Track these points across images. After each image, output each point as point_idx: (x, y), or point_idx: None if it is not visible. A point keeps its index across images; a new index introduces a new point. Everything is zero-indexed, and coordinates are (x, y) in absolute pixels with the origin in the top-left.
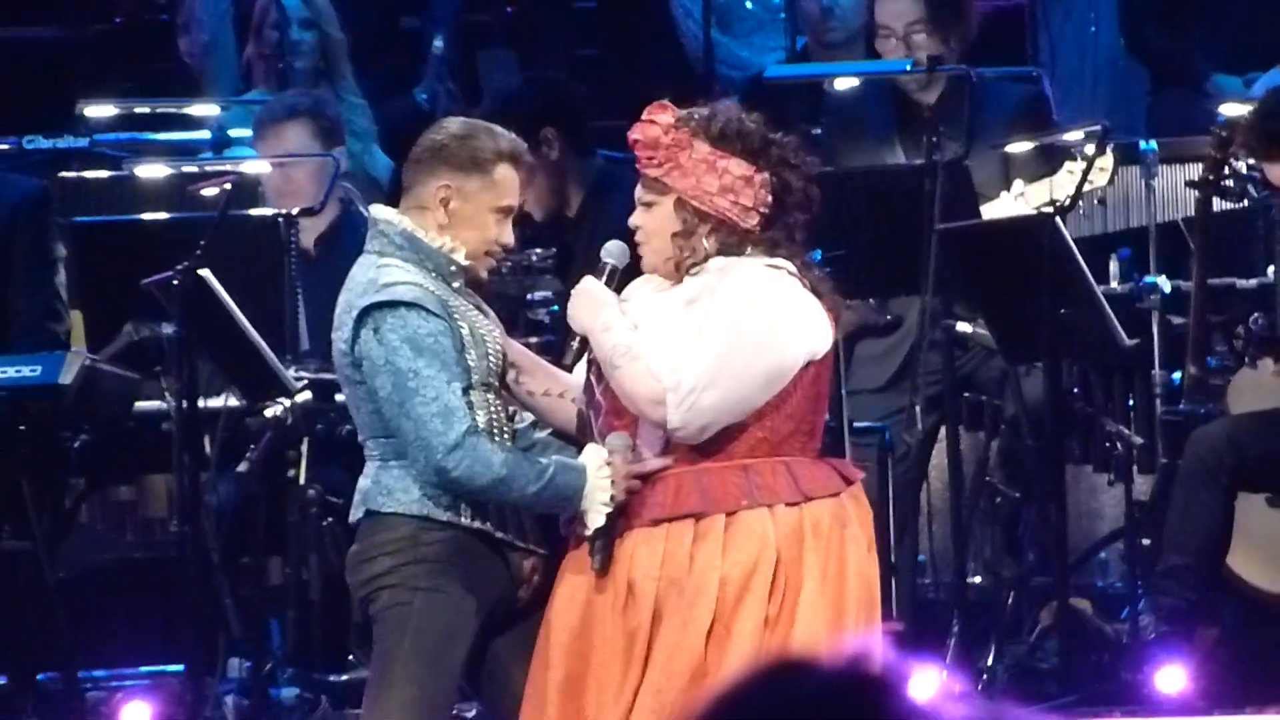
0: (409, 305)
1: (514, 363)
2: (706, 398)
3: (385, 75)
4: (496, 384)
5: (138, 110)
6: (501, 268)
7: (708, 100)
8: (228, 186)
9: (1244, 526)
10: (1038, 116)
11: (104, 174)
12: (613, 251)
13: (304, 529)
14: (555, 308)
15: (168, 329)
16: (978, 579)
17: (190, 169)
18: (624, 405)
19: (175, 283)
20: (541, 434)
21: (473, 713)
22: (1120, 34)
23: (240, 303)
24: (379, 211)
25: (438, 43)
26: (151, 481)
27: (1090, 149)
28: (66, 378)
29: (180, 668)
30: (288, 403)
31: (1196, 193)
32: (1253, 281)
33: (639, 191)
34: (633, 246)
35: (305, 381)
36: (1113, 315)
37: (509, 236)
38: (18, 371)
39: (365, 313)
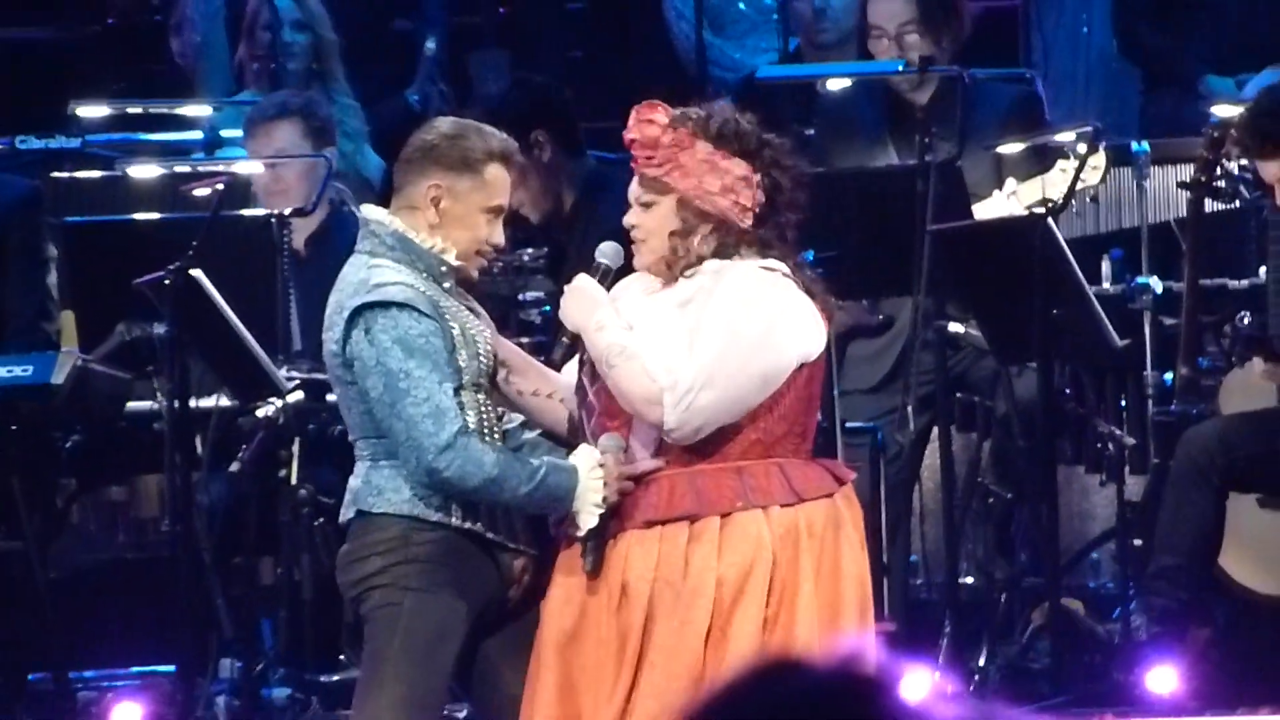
0: (400, 306)
1: (504, 362)
2: (703, 398)
3: (377, 76)
4: (487, 384)
5: (130, 111)
6: (493, 268)
7: (700, 101)
8: (220, 187)
9: (1235, 527)
10: (1030, 117)
11: (96, 174)
12: (607, 252)
13: (296, 529)
14: (547, 308)
15: (160, 329)
16: (970, 579)
17: (182, 169)
18: (617, 406)
19: (167, 283)
20: (531, 434)
21: (464, 713)
22: (1113, 35)
23: (232, 303)
24: (370, 212)
25: (430, 44)
26: (143, 482)
27: (1082, 148)
28: (58, 378)
29: (172, 668)
30: (279, 403)
31: (1188, 193)
32: (1244, 282)
33: (636, 191)
34: (626, 246)
35: (297, 382)
36: (1104, 316)
37: (500, 236)
38: (9, 371)
39: (357, 313)
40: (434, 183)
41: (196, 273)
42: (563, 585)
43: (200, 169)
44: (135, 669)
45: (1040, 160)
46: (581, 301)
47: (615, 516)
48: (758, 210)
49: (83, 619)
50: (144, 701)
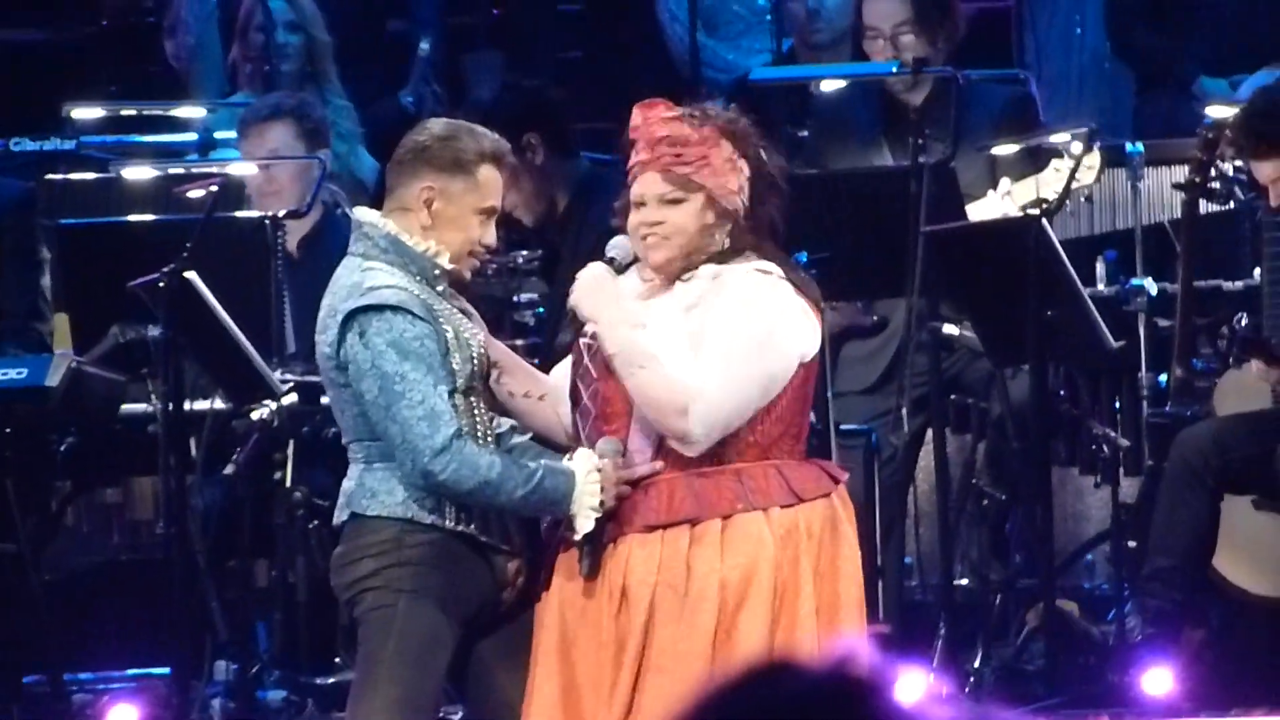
0: (394, 309)
1: (496, 363)
2: (725, 407)
3: (371, 78)
4: (480, 387)
5: (124, 112)
6: (487, 269)
7: (692, 102)
8: (214, 189)
9: (1230, 528)
10: (1024, 118)
11: (90, 176)
12: (618, 245)
13: (290, 531)
14: (541, 309)
15: (154, 331)
16: (964, 581)
17: (176, 171)
18: (614, 410)
19: (161, 285)
20: (521, 438)
21: (458, 716)
22: (1106, 36)
23: (226, 305)
24: (363, 214)
25: (423, 45)
26: (138, 484)
27: (1078, 147)
28: (53, 380)
29: (167, 670)
30: (274, 405)
31: (1183, 195)
32: (1239, 283)
33: (662, 188)
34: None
35: (291, 384)
36: (1099, 317)
37: (492, 237)
38: (4, 374)
39: (350, 316)
40: (426, 184)
41: (191, 275)
42: (561, 589)
43: (194, 171)
44: (130, 671)
45: (1035, 161)
46: (598, 293)
47: (614, 520)
48: (753, 211)
49: (78, 621)
50: (139, 703)
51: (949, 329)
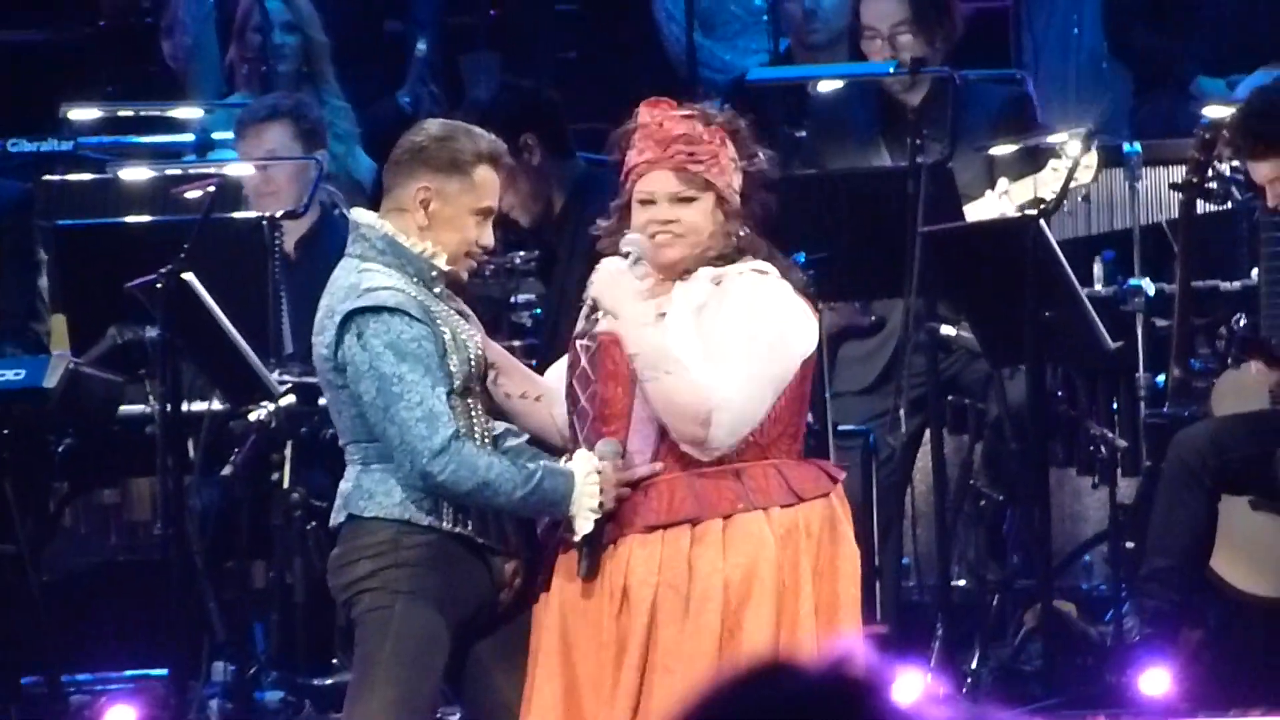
0: (392, 310)
1: (492, 364)
2: (747, 413)
3: (368, 78)
4: (477, 389)
5: (121, 113)
6: (485, 270)
7: (691, 102)
8: (211, 189)
9: (1227, 529)
10: (1022, 118)
11: (88, 177)
12: (634, 242)
13: (288, 532)
14: (538, 310)
15: (151, 332)
16: (962, 582)
17: (174, 172)
18: (613, 411)
19: (159, 286)
20: (516, 440)
21: (455, 716)
22: (1104, 36)
23: (224, 306)
24: (360, 215)
25: (421, 46)
26: (135, 485)
27: (1075, 146)
28: (51, 381)
29: (164, 671)
30: (271, 406)
31: (1180, 195)
32: (1236, 284)
33: (675, 186)
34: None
35: (289, 385)
36: (1097, 318)
37: (489, 238)
38: (1, 375)
39: (348, 318)
40: (423, 185)
41: (188, 276)
42: (561, 591)
43: (191, 171)
44: (128, 672)
45: (1032, 161)
46: (618, 288)
47: (614, 521)
48: (749, 212)
49: (75, 622)
50: (136, 704)
51: (947, 329)
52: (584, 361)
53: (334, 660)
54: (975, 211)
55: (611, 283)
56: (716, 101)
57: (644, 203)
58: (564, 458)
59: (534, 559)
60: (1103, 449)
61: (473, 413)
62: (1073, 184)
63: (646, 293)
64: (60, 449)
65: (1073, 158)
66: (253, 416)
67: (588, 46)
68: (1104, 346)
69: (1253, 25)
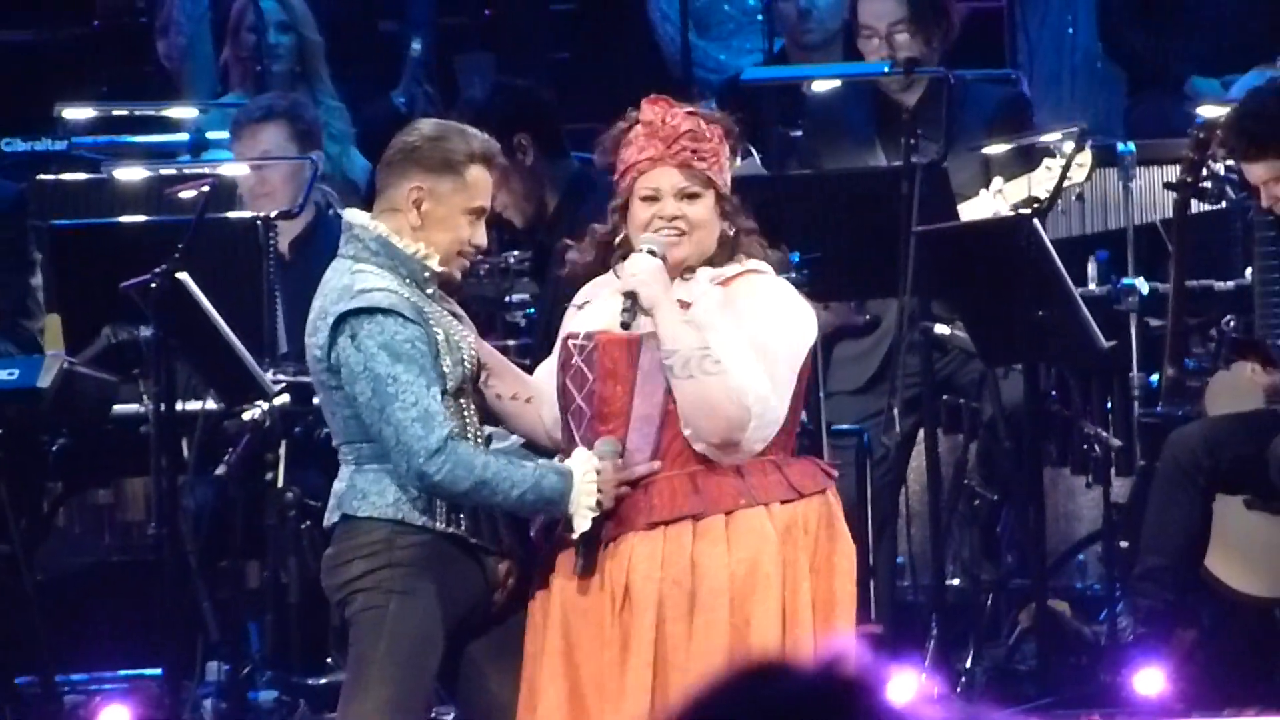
0: (385, 312)
1: (483, 365)
2: (777, 419)
3: (363, 78)
4: (470, 389)
5: (116, 113)
6: (479, 270)
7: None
8: (206, 189)
9: (1222, 528)
10: (1018, 118)
11: (82, 177)
12: (654, 240)
13: (282, 532)
14: (532, 310)
15: (146, 332)
16: (956, 581)
17: (168, 172)
18: (611, 410)
19: (153, 286)
20: (502, 444)
21: (450, 716)
22: (1098, 36)
23: (218, 306)
24: (353, 216)
25: (415, 46)
26: (129, 484)
27: (1069, 147)
28: (45, 381)
29: (158, 671)
30: (266, 406)
31: (1174, 194)
32: (1230, 283)
33: (681, 183)
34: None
35: (283, 384)
36: (1091, 317)
37: (482, 237)
38: None
39: (342, 319)
40: (415, 184)
41: (183, 275)
42: (562, 591)
43: (186, 171)
44: (122, 672)
45: (1027, 160)
46: (655, 284)
47: (614, 520)
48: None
49: (69, 622)
50: (131, 704)
51: (941, 329)
52: (579, 360)
53: (328, 660)
54: (970, 210)
55: (650, 278)
56: (710, 101)
57: (648, 199)
58: (557, 457)
59: (527, 559)
60: (1097, 448)
61: (465, 414)
62: (1066, 183)
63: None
64: (54, 449)
65: (1066, 156)
66: (247, 416)
67: (582, 47)
68: (1098, 346)
69: (1246, 25)
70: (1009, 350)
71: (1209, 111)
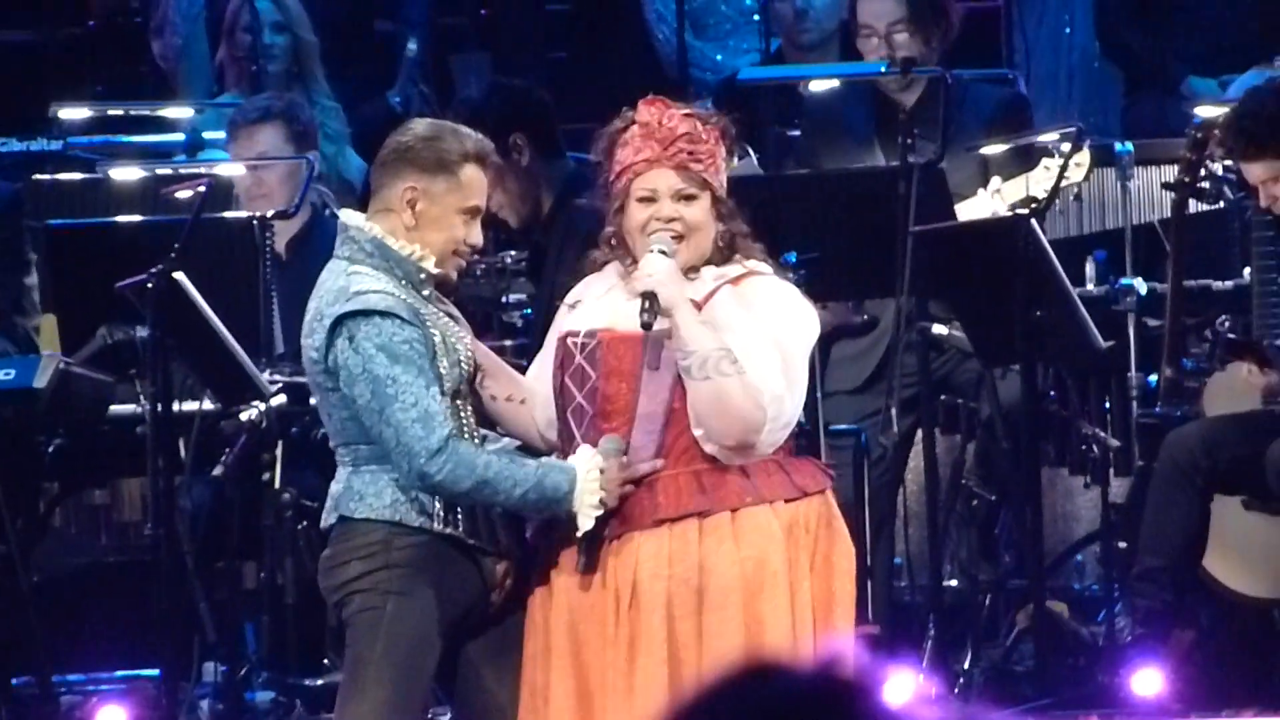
0: (383, 314)
1: (478, 365)
2: (791, 420)
3: (359, 78)
4: (466, 391)
5: (111, 113)
6: (476, 270)
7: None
8: (202, 189)
9: (1220, 529)
10: (1017, 120)
11: (78, 177)
12: (664, 241)
13: (279, 533)
14: (529, 310)
15: (142, 332)
16: (954, 582)
17: (164, 172)
18: (614, 408)
19: (150, 286)
20: (498, 444)
21: (446, 717)
22: (1095, 36)
23: (215, 306)
24: (349, 217)
25: (411, 46)
26: (126, 485)
27: (1066, 147)
28: (41, 381)
29: (155, 672)
30: (262, 406)
31: (1172, 194)
32: (1228, 284)
33: (678, 185)
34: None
35: (280, 385)
36: (1088, 317)
37: (477, 237)
38: None
39: (339, 322)
40: (409, 185)
41: (179, 276)
42: (568, 590)
43: (182, 171)
44: (119, 673)
45: (1025, 162)
46: (673, 284)
47: (619, 518)
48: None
49: (66, 622)
50: (128, 705)
51: (938, 329)
52: (580, 358)
53: (325, 661)
54: (967, 210)
55: (668, 279)
56: (707, 102)
57: (644, 200)
58: (554, 456)
59: (525, 560)
60: (1095, 449)
61: (462, 415)
62: (1064, 183)
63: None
64: (50, 449)
65: (1064, 155)
66: (243, 416)
67: (578, 47)
68: (1095, 346)
69: (1243, 25)
70: (1007, 350)
71: (1206, 111)
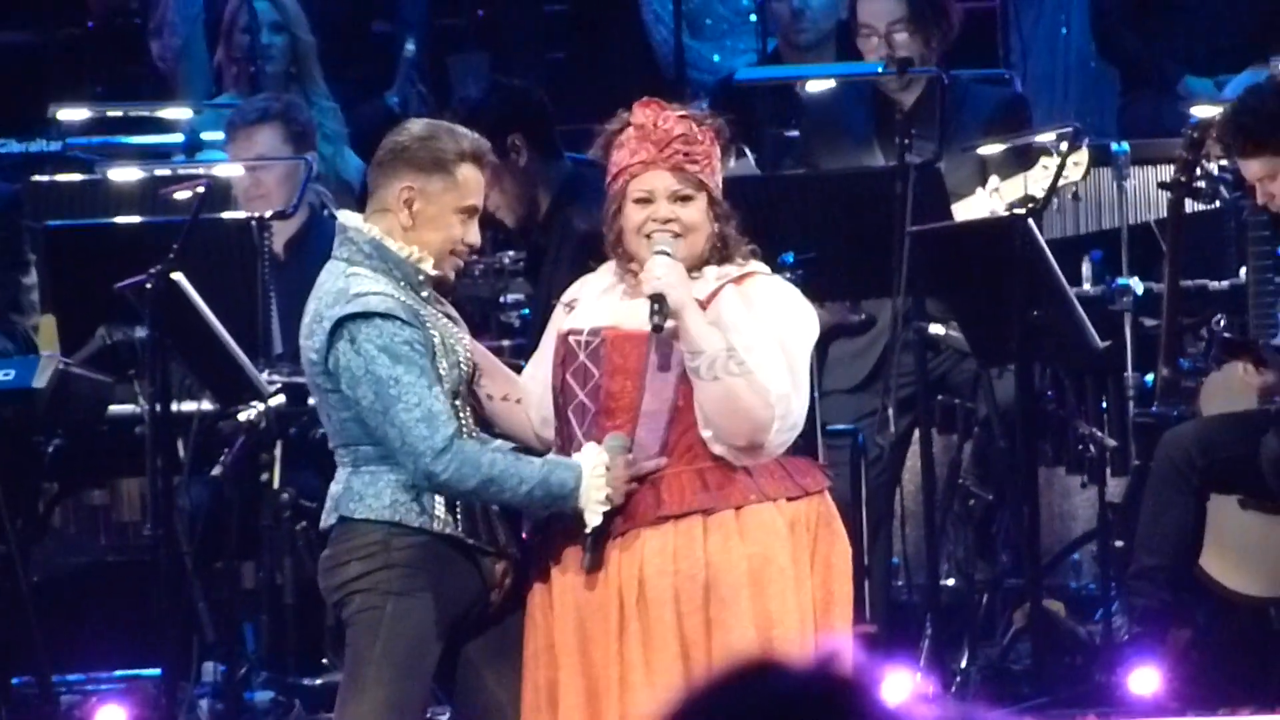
0: (383, 315)
1: (476, 365)
2: (799, 420)
3: (357, 79)
4: (465, 391)
5: (110, 114)
6: (474, 270)
7: (679, 103)
8: (200, 190)
9: (1216, 528)
10: (1016, 120)
11: (77, 177)
12: (668, 242)
13: (277, 533)
14: (526, 310)
15: (141, 333)
16: (951, 581)
17: (163, 172)
18: (618, 405)
19: (148, 286)
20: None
21: (445, 717)
22: (1092, 36)
23: (213, 306)
24: (347, 218)
25: (409, 46)
26: (125, 485)
27: (1064, 147)
28: (40, 382)
29: (155, 671)
30: (261, 406)
31: (1168, 194)
32: (1225, 283)
33: (675, 185)
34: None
35: (278, 385)
36: (1085, 317)
37: (475, 236)
38: None
39: (340, 324)
40: (406, 184)
41: (178, 276)
42: (573, 590)
43: (180, 172)
44: (118, 672)
45: (1024, 161)
46: (684, 285)
47: (624, 515)
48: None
49: (65, 622)
50: (127, 705)
51: (935, 329)
52: (583, 356)
53: (324, 660)
54: (966, 209)
55: (676, 280)
56: (704, 102)
57: (641, 201)
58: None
59: (524, 559)
60: (1091, 448)
61: (461, 416)
62: (1063, 182)
63: (628, 292)
64: (50, 449)
65: (1061, 155)
66: (242, 417)
67: (576, 47)
68: (1092, 346)
69: (1239, 26)
70: (1003, 350)
71: (1202, 111)
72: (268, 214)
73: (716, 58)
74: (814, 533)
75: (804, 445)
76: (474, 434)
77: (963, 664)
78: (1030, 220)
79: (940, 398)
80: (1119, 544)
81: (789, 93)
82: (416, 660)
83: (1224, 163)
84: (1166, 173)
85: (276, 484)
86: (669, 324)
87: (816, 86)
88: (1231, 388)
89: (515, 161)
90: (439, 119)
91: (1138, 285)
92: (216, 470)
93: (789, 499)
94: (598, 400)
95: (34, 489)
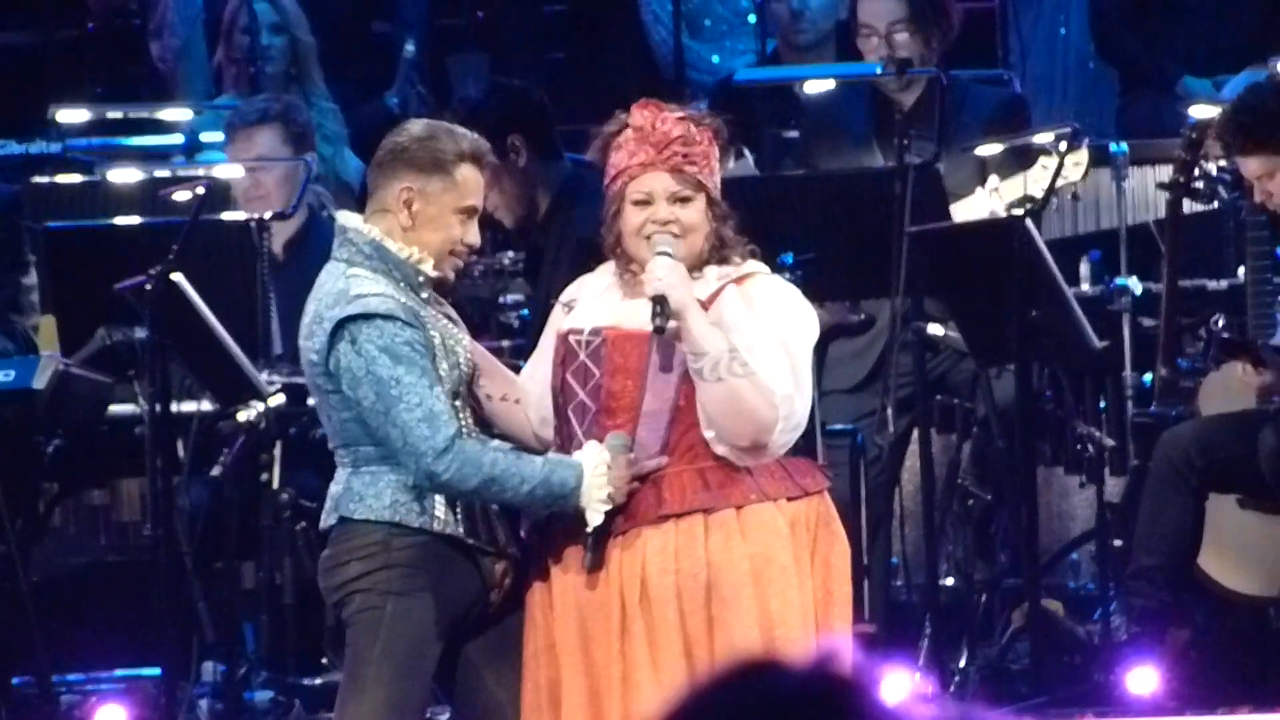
0: (384, 316)
1: (475, 366)
2: (802, 419)
3: (356, 80)
4: (465, 392)
5: (110, 115)
6: (474, 270)
7: (678, 104)
8: (200, 191)
9: (1215, 528)
10: (1015, 121)
11: (76, 179)
12: (669, 243)
13: (277, 533)
14: (525, 311)
15: (140, 333)
16: (949, 581)
17: (162, 173)
18: (619, 404)
19: (148, 287)
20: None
21: (445, 717)
22: (1090, 36)
23: (213, 307)
24: (346, 219)
25: (409, 47)
26: (124, 485)
27: (1063, 147)
28: (40, 382)
29: (155, 671)
30: (261, 407)
31: (1167, 194)
32: (1223, 283)
33: (673, 186)
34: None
35: (278, 385)
36: (1084, 317)
37: (474, 236)
38: None
39: (340, 325)
40: (405, 185)
41: (177, 277)
42: (575, 590)
43: (180, 173)
44: (118, 672)
45: (1023, 161)
46: (686, 286)
47: (625, 514)
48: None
49: (65, 622)
50: (127, 705)
51: (934, 329)
52: (584, 355)
53: (324, 660)
54: (965, 209)
55: (678, 281)
56: (703, 103)
57: (640, 203)
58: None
59: (524, 559)
60: (1090, 448)
61: (461, 416)
62: (1062, 182)
63: (627, 292)
64: (50, 449)
65: (1060, 155)
66: (242, 417)
67: (575, 48)
68: (1091, 346)
69: (1238, 26)
70: (1002, 350)
71: (1201, 112)
72: (267, 215)
73: (716, 58)
74: (814, 533)
75: (804, 445)
76: (474, 434)
77: (961, 664)
78: (1029, 220)
79: (939, 398)
80: (1117, 544)
81: (788, 93)
82: (416, 660)
83: (1223, 163)
84: (1165, 173)
85: (276, 484)
86: (671, 325)
87: (816, 87)
88: (1230, 387)
89: (515, 162)
90: (439, 119)
91: (1136, 285)
92: (216, 470)
93: (789, 499)
94: (598, 400)
95: (34, 489)
